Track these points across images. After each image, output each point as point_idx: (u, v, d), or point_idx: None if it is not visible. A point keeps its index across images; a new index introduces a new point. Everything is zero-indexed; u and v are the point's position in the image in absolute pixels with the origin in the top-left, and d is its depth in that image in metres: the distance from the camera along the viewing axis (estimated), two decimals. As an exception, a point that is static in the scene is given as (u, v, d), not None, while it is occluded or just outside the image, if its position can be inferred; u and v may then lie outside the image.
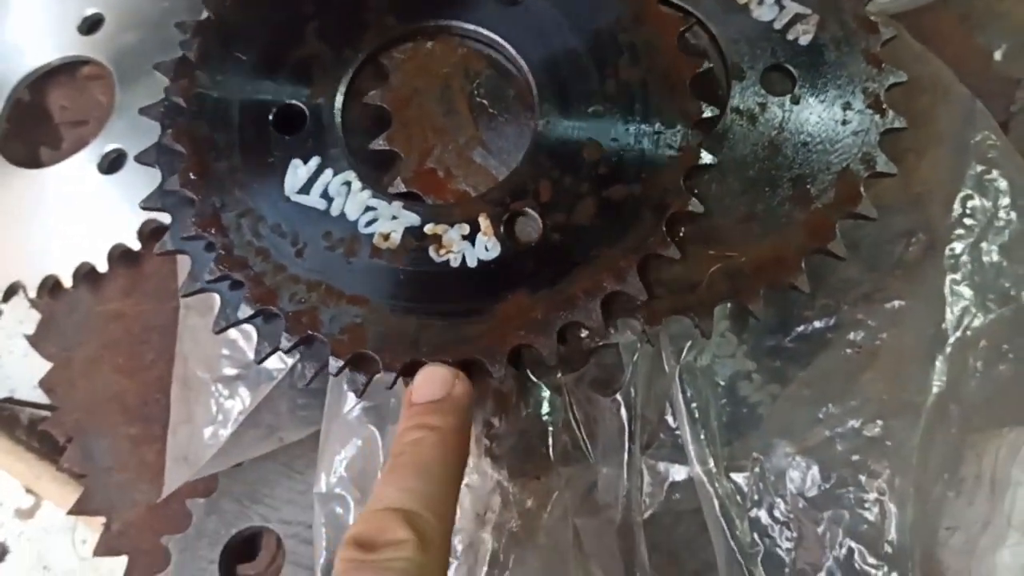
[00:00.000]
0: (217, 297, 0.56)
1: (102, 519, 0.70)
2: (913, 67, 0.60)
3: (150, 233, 0.73)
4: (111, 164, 0.77)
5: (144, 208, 0.57)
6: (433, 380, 0.50)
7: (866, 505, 0.50)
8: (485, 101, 0.56)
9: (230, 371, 0.61)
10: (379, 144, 0.56)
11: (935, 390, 0.51)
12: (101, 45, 0.83)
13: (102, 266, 0.73)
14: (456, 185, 0.55)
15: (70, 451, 0.72)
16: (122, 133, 0.78)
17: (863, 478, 0.51)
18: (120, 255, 0.73)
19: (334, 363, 0.52)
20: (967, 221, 0.54)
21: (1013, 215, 0.54)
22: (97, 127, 0.81)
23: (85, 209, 0.75)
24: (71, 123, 0.84)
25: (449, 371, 0.50)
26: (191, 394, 0.62)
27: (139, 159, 0.57)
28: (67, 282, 0.73)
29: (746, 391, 0.58)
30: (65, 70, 0.85)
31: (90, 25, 0.83)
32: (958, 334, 0.52)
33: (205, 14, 0.57)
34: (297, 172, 0.54)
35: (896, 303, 0.53)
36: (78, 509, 0.70)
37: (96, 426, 0.71)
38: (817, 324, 0.54)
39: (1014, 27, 0.82)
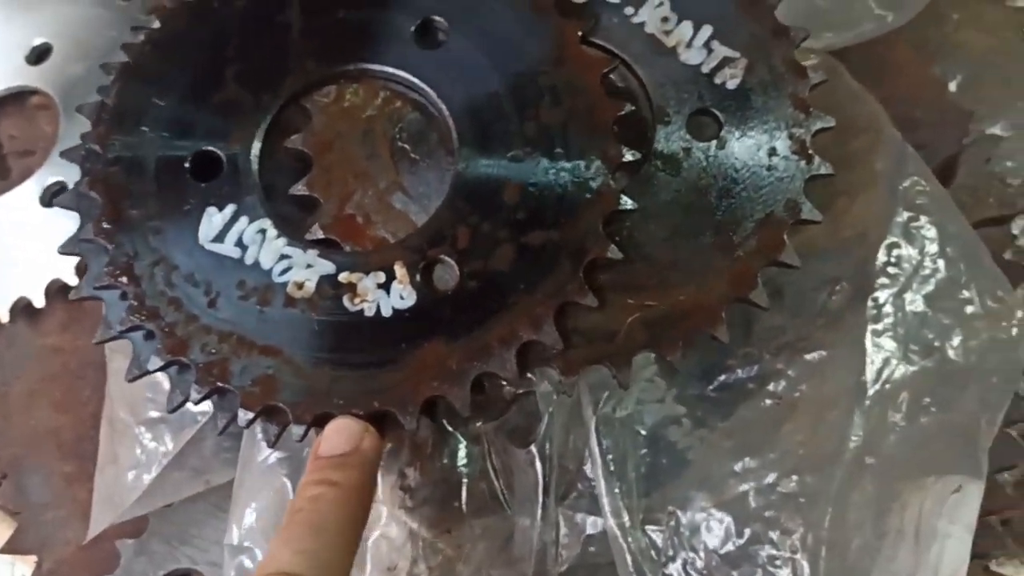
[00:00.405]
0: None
1: (35, 557, 0.69)
2: (849, 107, 0.60)
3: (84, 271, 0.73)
4: (52, 197, 0.77)
5: (62, 253, 0.56)
6: (340, 433, 0.49)
7: (778, 563, 0.49)
8: (407, 145, 0.55)
9: (154, 414, 0.61)
10: (299, 189, 0.55)
11: (853, 443, 0.50)
12: (48, 75, 0.82)
13: (39, 301, 0.73)
14: (375, 231, 0.54)
15: (5, 487, 0.71)
16: (65, 166, 0.77)
17: (776, 535, 0.50)
18: (57, 290, 0.73)
19: (243, 415, 0.52)
20: (891, 270, 0.53)
21: (940, 263, 0.53)
22: (43, 158, 0.81)
23: (25, 242, 0.75)
24: (19, 153, 0.83)
25: (358, 424, 0.50)
26: (116, 435, 0.62)
27: (58, 203, 0.57)
28: (3, 316, 0.73)
29: (675, 436, 0.57)
30: (14, 100, 0.84)
31: (38, 55, 0.83)
32: (878, 386, 0.51)
33: (125, 59, 0.57)
34: (212, 220, 0.54)
35: (817, 354, 0.52)
36: (10, 548, 0.69)
37: (31, 462, 0.71)
38: (739, 373, 0.53)
39: (970, 57, 0.81)
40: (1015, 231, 0.74)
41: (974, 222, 0.73)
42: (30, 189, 0.77)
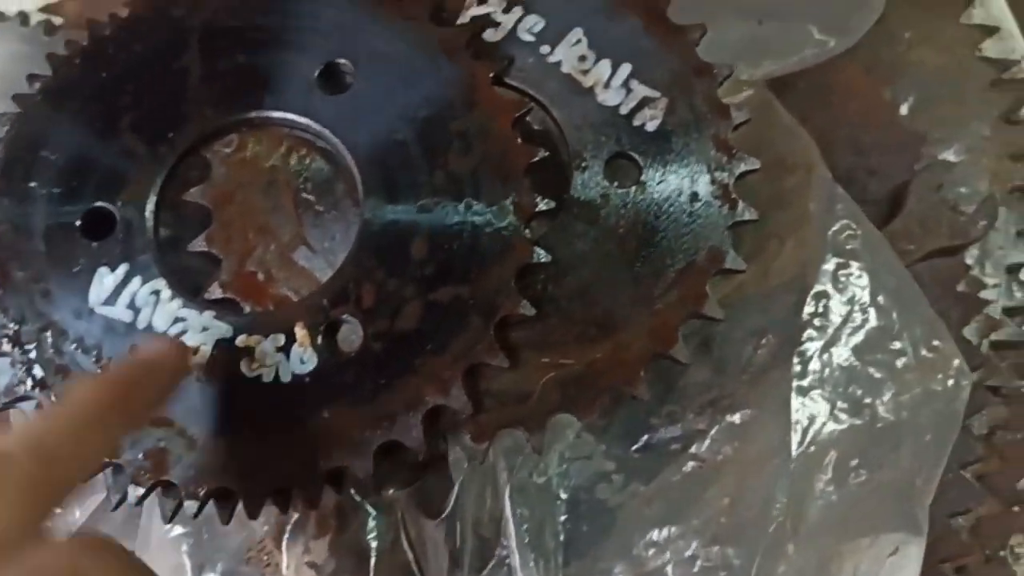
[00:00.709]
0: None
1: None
2: (781, 144, 0.57)
3: None
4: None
5: (-54, 316, 0.54)
6: None
7: (698, 645, 0.47)
8: (312, 196, 0.53)
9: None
10: (197, 246, 0.52)
11: (777, 510, 0.47)
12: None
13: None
14: (277, 290, 0.52)
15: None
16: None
17: (696, 614, 0.47)
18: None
19: (135, 491, 0.49)
20: (819, 321, 0.50)
21: (871, 313, 0.50)
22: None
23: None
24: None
25: None
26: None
27: (-57, 262, 0.54)
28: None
29: (605, 494, 0.54)
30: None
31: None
32: (803, 448, 0.48)
33: (16, 109, 0.54)
34: (103, 281, 0.51)
35: (741, 413, 0.49)
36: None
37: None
38: (663, 434, 0.50)
39: (923, 77, 0.78)
40: (968, 261, 0.72)
41: (925, 253, 0.71)
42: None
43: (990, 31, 0.79)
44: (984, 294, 0.72)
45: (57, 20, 0.85)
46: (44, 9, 0.86)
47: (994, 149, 0.76)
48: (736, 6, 0.66)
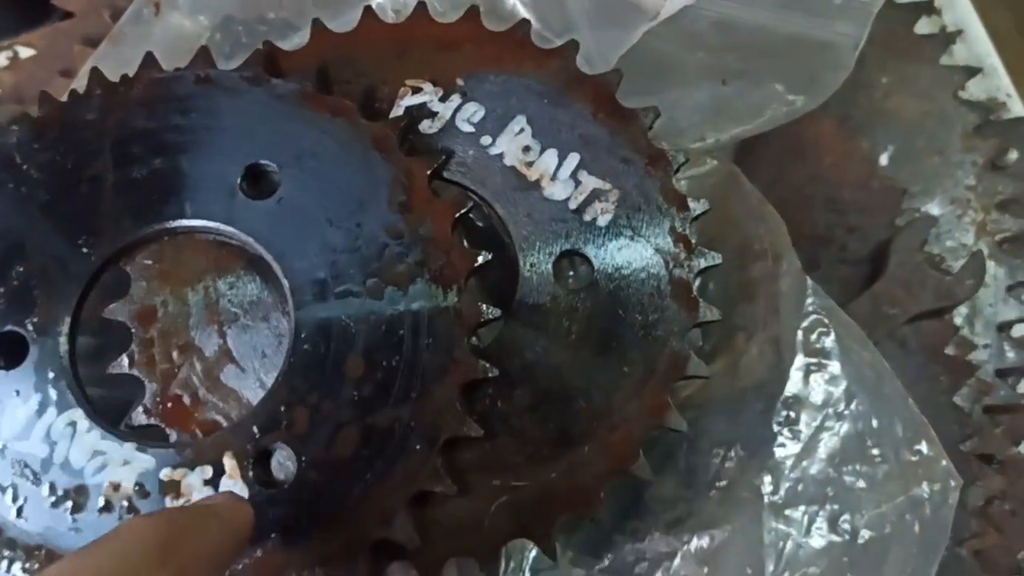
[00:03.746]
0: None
1: None
2: (746, 225, 0.53)
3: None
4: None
5: None
6: None
7: None
8: (239, 310, 0.49)
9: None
10: (118, 368, 0.49)
11: (752, 649, 0.44)
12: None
13: None
14: (204, 414, 0.48)
15: None
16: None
17: None
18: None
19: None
20: (788, 431, 0.46)
21: (847, 418, 0.46)
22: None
23: None
24: None
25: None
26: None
27: None
28: None
29: (573, 607, 0.51)
30: None
31: None
32: (777, 572, 0.45)
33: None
34: (16, 414, 0.47)
35: (710, 534, 0.46)
36: None
37: None
38: (627, 555, 0.46)
39: (901, 126, 0.74)
40: (957, 321, 0.68)
41: (910, 316, 0.68)
42: None
43: (972, 72, 0.75)
44: (974, 356, 0.68)
45: (-8, 92, 0.81)
46: (-21, 79, 0.83)
47: (980, 199, 0.72)
48: (700, 68, 0.62)
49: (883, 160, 0.72)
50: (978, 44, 0.80)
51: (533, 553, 0.50)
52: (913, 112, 0.75)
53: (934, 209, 0.70)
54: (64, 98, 0.52)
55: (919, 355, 0.66)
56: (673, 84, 0.61)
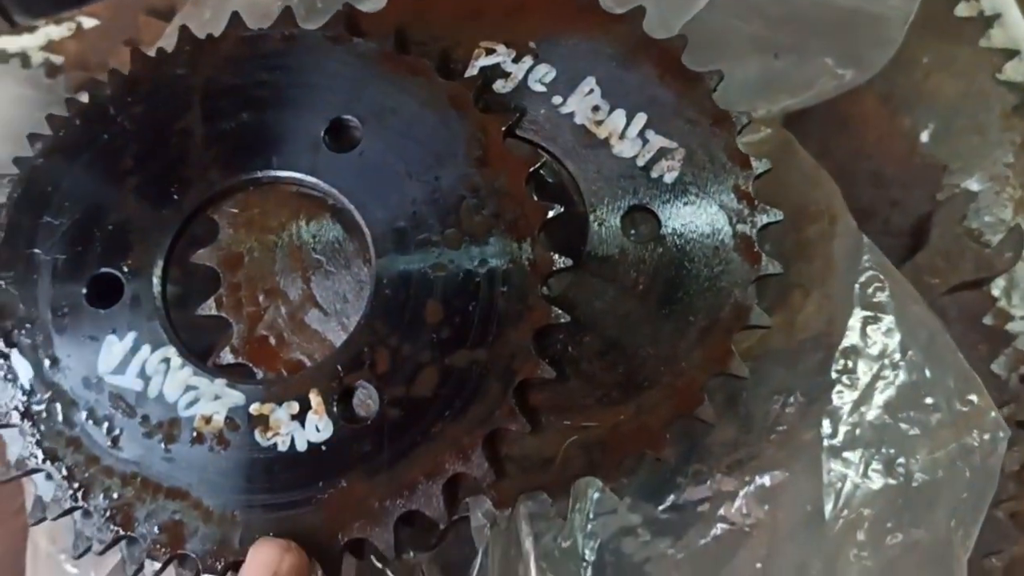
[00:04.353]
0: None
1: None
2: (803, 190, 0.56)
3: None
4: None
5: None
6: (255, 567, 0.45)
7: None
8: (322, 257, 0.51)
9: (75, 543, 0.57)
10: (206, 310, 0.51)
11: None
12: (-30, 158, 0.80)
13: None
14: (289, 354, 0.51)
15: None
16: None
17: None
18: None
19: (151, 564, 0.48)
20: (848, 378, 0.49)
21: (902, 368, 0.49)
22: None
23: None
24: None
25: (276, 548, 0.45)
26: (39, 563, 0.58)
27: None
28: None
29: (631, 548, 0.53)
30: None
31: (-39, 136, 0.80)
32: (837, 510, 0.47)
33: (17, 171, 0.53)
34: (112, 350, 0.50)
35: (770, 475, 0.48)
36: None
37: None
38: (689, 494, 0.49)
39: (942, 105, 0.77)
40: (995, 292, 0.70)
41: (950, 287, 0.70)
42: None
43: (1010, 54, 0.77)
44: (1011, 326, 0.70)
45: (58, 59, 0.84)
46: (45, 47, 0.85)
47: (1018, 176, 0.74)
48: (752, 41, 0.64)
49: (924, 137, 0.74)
50: (1015, 28, 0.82)
51: (596, 496, 0.52)
52: (953, 92, 0.77)
53: (973, 185, 0.72)
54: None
55: (958, 324, 0.68)
56: (726, 56, 0.63)
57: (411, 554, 0.52)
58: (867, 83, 0.68)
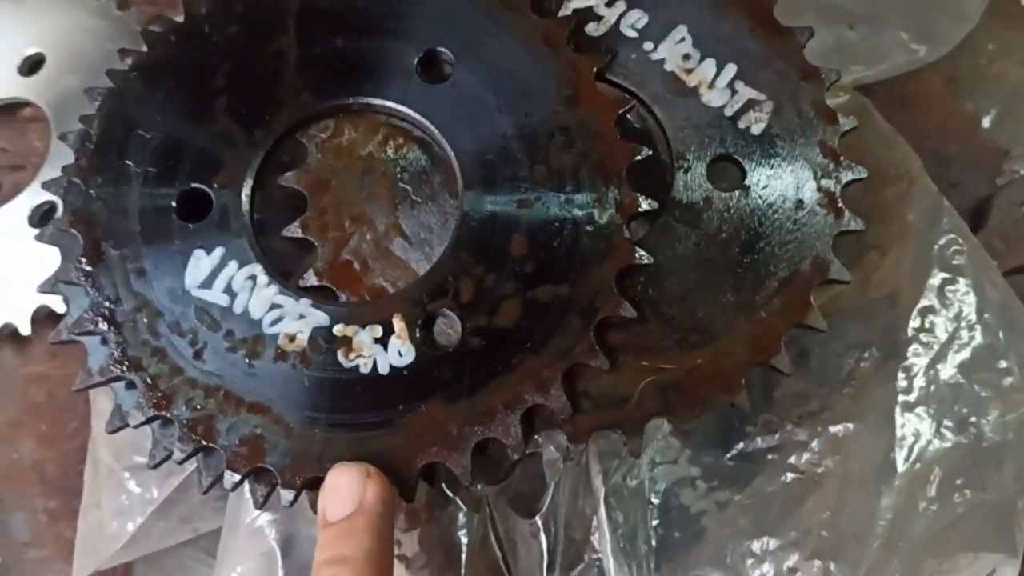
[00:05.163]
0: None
1: (17, 598, 0.67)
2: (880, 152, 0.56)
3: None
4: (43, 217, 0.73)
5: (42, 292, 0.53)
6: (340, 492, 0.46)
7: (797, 655, 0.46)
8: (408, 186, 0.52)
9: (139, 459, 0.58)
10: (292, 232, 0.52)
11: (881, 526, 0.47)
12: (41, 87, 0.79)
13: (25, 328, 0.69)
14: (372, 280, 0.51)
15: (-13, 523, 0.69)
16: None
17: (795, 625, 0.46)
18: (45, 317, 0.70)
19: (229, 476, 0.49)
20: (924, 337, 0.49)
21: (977, 330, 0.49)
22: (33, 174, 0.78)
23: (12, 265, 0.72)
24: (9, 167, 0.80)
25: (357, 474, 0.46)
26: (100, 480, 0.59)
27: (39, 239, 0.54)
28: (-12, 344, 0.70)
29: (688, 499, 0.54)
30: (5, 111, 0.81)
31: (31, 66, 0.79)
32: (908, 464, 0.48)
33: (110, 85, 0.54)
34: (199, 264, 0.50)
35: (843, 426, 0.49)
36: (-9, 587, 0.67)
37: (13, 497, 0.68)
38: (759, 443, 0.50)
39: (1005, 91, 0.77)
40: (1050, 277, 0.71)
41: (1007, 269, 0.70)
42: (19, 208, 0.73)
43: (1075, 43, 0.78)
44: (1065, 309, 0.71)
45: (130, -8, 0.84)
46: (118, -19, 0.85)
47: (1077, 166, 0.75)
48: (827, 10, 0.65)
49: (985, 123, 0.74)
50: (1082, 19, 0.82)
51: (659, 443, 0.53)
52: (1016, 78, 0.78)
53: (1033, 173, 0.73)
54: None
55: (1016, 305, 0.69)
56: (803, 23, 0.64)
57: (479, 487, 0.53)
58: (932, 65, 0.68)
